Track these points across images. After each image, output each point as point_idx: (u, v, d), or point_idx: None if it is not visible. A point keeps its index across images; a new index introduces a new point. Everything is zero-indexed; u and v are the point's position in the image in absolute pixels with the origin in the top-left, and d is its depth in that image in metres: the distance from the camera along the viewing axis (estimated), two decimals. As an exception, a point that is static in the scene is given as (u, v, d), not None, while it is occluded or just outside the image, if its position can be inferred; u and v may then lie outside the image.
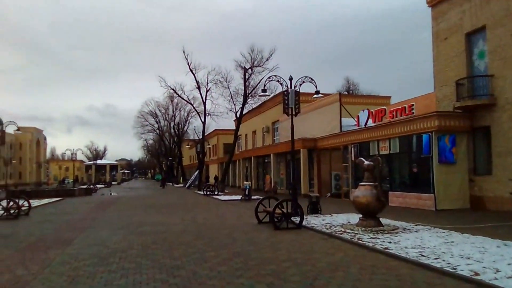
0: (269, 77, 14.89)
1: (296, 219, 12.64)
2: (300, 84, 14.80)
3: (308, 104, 28.97)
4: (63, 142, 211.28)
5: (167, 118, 68.36)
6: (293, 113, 14.62)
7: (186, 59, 39.22)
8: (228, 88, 38.27)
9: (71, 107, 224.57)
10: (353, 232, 10.78)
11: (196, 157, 52.67)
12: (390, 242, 9.15)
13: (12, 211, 17.33)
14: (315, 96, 15.41)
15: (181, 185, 59.48)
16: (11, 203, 17.42)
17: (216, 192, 31.91)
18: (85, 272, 7.24)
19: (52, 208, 22.14)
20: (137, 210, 19.93)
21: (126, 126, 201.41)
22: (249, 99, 37.00)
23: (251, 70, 35.74)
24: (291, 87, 14.67)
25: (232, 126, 51.25)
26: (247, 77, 35.66)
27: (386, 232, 10.72)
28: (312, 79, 14.85)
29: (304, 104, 25.02)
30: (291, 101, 14.49)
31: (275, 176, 33.46)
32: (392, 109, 19.93)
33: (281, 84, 14.73)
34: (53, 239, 11.19)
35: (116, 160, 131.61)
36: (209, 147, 60.65)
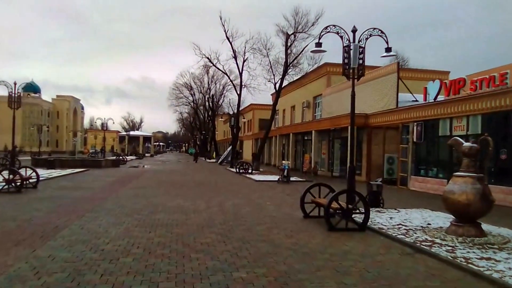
0: (326, 27, 11.40)
1: (356, 216, 9.42)
2: (366, 38, 11.27)
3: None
4: (102, 113, 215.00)
5: (202, 91, 65.39)
6: (355, 76, 11.20)
7: (223, 25, 35.83)
8: (268, 56, 34.62)
9: (110, 79, 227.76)
10: (447, 244, 7.44)
11: (230, 132, 49.83)
12: (525, 272, 5.77)
13: (17, 183, 15.09)
14: (384, 55, 11.82)
15: (214, 160, 57.07)
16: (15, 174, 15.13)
17: (250, 171, 28.95)
18: (32, 306, 4.36)
19: (67, 181, 19.84)
20: (159, 189, 17.22)
21: (163, 99, 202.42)
22: (290, 69, 33.30)
23: (294, 37, 31.87)
24: (353, 41, 11.20)
25: (268, 101, 47.86)
26: (289, 44, 31.90)
27: (496, 247, 7.32)
28: (382, 31, 11.29)
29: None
30: (354, 60, 11.03)
31: (315, 155, 30.11)
32: (476, 78, 15.86)
33: (341, 37, 11.22)
34: (37, 227, 8.50)
35: (153, 133, 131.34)
36: (244, 122, 57.70)
